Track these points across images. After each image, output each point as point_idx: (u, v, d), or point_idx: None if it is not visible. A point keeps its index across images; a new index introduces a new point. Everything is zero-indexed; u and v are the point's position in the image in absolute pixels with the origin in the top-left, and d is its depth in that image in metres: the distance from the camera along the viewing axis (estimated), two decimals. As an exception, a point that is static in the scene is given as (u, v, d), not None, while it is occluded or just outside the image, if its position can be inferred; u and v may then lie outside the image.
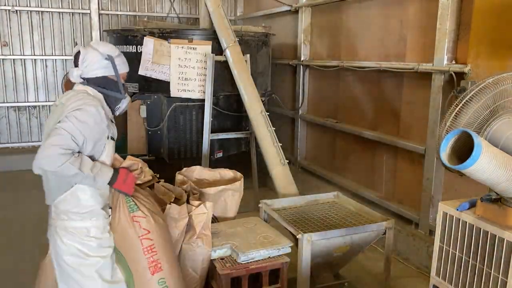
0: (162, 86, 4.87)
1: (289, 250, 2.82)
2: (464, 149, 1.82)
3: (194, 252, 2.68)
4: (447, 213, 2.24)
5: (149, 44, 4.83)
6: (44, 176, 2.14)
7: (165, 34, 4.80)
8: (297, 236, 2.74)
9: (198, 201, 2.81)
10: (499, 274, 1.97)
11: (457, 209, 2.16)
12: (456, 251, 2.20)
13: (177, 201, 2.86)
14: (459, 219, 2.16)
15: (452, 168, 1.78)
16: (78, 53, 2.18)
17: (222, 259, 2.76)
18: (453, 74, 3.34)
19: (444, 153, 1.79)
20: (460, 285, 2.18)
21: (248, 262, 2.69)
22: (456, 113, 2.32)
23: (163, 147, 5.14)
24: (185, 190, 3.06)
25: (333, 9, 4.96)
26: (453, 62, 3.43)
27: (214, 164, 4.71)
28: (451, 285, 2.23)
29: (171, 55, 4.78)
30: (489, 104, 2.30)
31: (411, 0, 3.88)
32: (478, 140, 1.67)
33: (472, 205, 2.17)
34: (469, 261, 2.12)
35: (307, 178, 5.48)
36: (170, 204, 2.63)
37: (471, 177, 1.83)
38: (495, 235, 1.97)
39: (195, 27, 5.16)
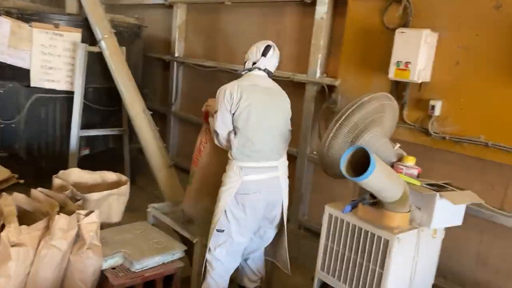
0: (20, 74, 4.34)
1: (182, 254, 2.84)
2: (357, 160, 2.10)
3: (83, 264, 2.51)
4: (332, 215, 2.54)
5: (4, 25, 4.25)
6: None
7: (25, 16, 4.27)
8: (194, 241, 2.78)
9: (86, 210, 2.63)
10: (376, 267, 2.33)
11: (343, 212, 2.47)
12: (340, 247, 2.52)
13: (61, 209, 2.63)
14: (343, 220, 2.48)
15: (350, 179, 2.05)
16: (269, 46, 2.91)
17: (113, 268, 2.64)
18: (325, 86, 3.74)
19: (343, 165, 2.05)
20: (342, 278, 2.51)
21: (142, 270, 2.63)
22: (339, 124, 2.65)
23: (19, 142, 4.58)
24: (67, 196, 2.83)
25: (211, 9, 5.03)
26: (325, 75, 3.83)
27: (81, 162, 4.40)
28: (334, 278, 2.55)
29: (33, 40, 4.29)
30: (365, 118, 2.67)
31: (287, 13, 4.18)
32: (373, 157, 1.96)
33: (354, 206, 2.51)
34: (351, 256, 2.46)
35: (180, 175, 5.48)
36: (58, 214, 2.41)
37: (363, 185, 2.13)
38: (374, 234, 2.33)
39: (62, 11, 4.69)
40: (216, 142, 2.82)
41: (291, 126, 3.09)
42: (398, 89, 3.24)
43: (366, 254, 2.38)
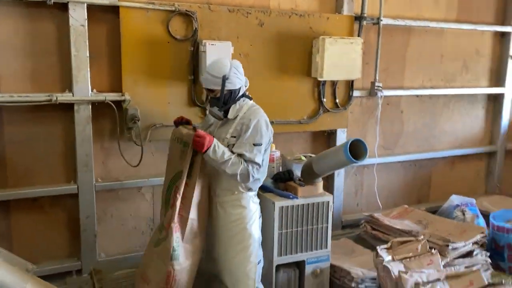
0: None
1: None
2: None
3: None
4: (283, 206, 3.00)
5: None
6: None
7: None
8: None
9: None
10: (322, 224, 3.15)
11: (297, 198, 3.00)
12: (292, 228, 3.05)
13: None
14: (293, 205, 3.03)
15: (355, 162, 2.76)
16: None
17: None
18: (111, 103, 3.31)
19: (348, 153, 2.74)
20: (298, 249, 3.09)
21: None
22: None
23: None
24: None
25: None
26: (95, 91, 3.33)
27: None
28: (291, 254, 3.08)
29: None
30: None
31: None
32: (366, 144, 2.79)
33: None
34: (302, 229, 3.08)
35: None
36: None
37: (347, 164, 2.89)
38: (318, 202, 3.10)
39: None
40: (246, 177, 2.57)
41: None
42: (198, 93, 3.60)
43: (314, 220, 3.11)
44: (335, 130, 4.32)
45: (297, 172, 3.26)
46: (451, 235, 3.47)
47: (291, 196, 3.06)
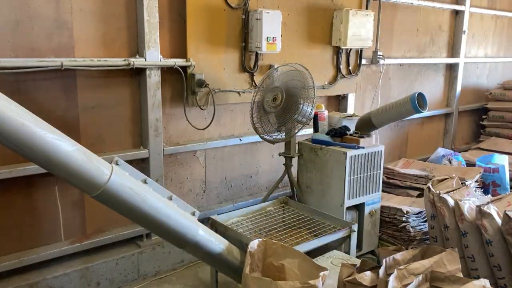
0: None
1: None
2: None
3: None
4: (352, 155, 3.42)
5: None
6: None
7: None
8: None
9: None
10: (375, 171, 3.64)
11: (362, 147, 3.44)
12: (357, 175, 3.50)
13: None
14: (359, 154, 3.47)
15: (420, 111, 3.26)
16: None
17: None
18: (180, 69, 3.41)
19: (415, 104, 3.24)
20: (361, 192, 3.55)
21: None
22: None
23: None
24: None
25: None
26: (163, 56, 3.40)
27: None
28: (356, 198, 3.53)
29: None
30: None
31: (73, -25, 2.96)
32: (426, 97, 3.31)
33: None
34: (364, 175, 3.55)
35: None
36: None
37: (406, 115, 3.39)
38: (375, 151, 3.58)
39: None
40: None
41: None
42: (247, 59, 3.83)
43: (370, 167, 3.59)
44: (347, 94, 4.83)
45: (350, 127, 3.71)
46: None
47: (356, 147, 3.49)
